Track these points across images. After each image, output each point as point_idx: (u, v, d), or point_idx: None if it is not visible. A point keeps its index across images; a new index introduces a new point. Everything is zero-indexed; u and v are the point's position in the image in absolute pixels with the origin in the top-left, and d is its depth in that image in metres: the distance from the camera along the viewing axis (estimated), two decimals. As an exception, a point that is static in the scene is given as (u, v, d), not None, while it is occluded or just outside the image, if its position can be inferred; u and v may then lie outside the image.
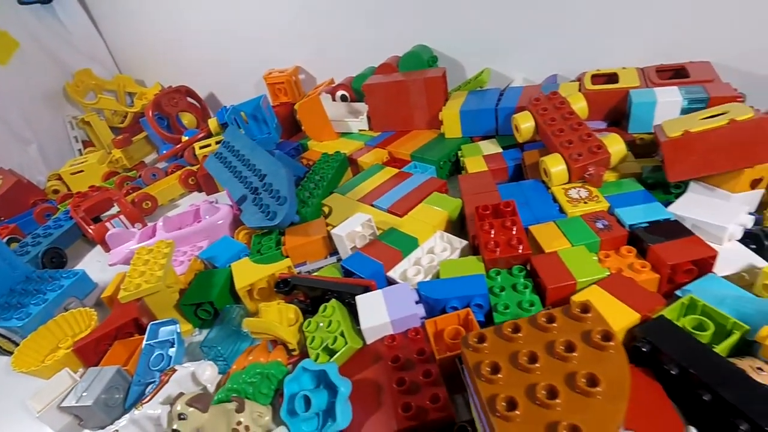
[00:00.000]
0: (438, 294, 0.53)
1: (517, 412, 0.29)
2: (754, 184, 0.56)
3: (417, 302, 0.54)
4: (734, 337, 0.41)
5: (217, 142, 1.15)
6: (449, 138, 0.93)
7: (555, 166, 0.67)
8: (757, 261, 0.50)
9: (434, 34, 1.07)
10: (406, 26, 1.10)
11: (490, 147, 0.86)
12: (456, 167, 0.89)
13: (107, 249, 0.90)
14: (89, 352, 0.63)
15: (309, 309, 0.62)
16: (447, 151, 0.88)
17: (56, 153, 1.49)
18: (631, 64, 0.89)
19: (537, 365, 0.32)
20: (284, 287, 0.62)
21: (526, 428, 0.29)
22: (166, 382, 0.52)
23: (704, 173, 0.57)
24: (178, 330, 0.61)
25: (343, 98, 1.15)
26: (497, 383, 0.32)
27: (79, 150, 1.53)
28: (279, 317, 0.57)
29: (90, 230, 0.95)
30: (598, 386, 0.29)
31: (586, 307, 0.35)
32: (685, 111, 0.71)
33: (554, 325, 0.35)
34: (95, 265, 0.92)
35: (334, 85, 1.18)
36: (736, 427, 0.34)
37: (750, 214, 0.55)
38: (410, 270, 0.61)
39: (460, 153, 0.87)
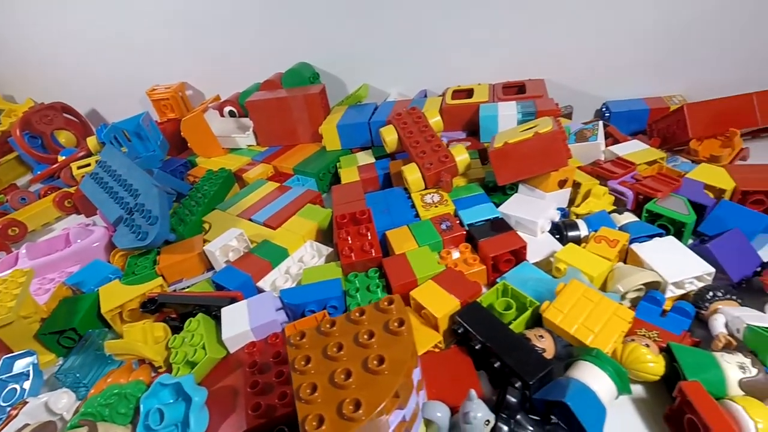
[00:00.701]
0: (296, 299, 0.58)
1: (316, 395, 0.34)
2: (561, 184, 0.68)
3: (279, 309, 0.58)
4: (527, 313, 0.50)
5: (97, 161, 1.10)
6: (330, 150, 0.98)
7: (411, 174, 0.74)
8: (558, 248, 0.61)
9: (316, 52, 1.13)
10: (289, 44, 1.14)
11: (365, 158, 0.92)
12: (337, 178, 0.95)
13: (-38, 283, 0.83)
14: (-71, 397, 0.58)
15: (180, 325, 0.63)
16: (326, 163, 0.93)
17: None
18: (487, 81, 1.01)
19: (342, 353, 0.37)
20: (151, 306, 0.62)
21: (322, 408, 0.33)
22: (15, 416, 0.50)
23: (523, 177, 0.67)
24: (35, 361, 0.59)
25: (231, 114, 1.16)
26: (308, 373, 0.37)
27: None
28: (143, 336, 0.58)
29: (-60, 264, 0.86)
30: (384, 365, 0.35)
31: (391, 301, 0.41)
32: (520, 122, 0.83)
33: (364, 318, 0.40)
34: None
35: (221, 101, 1.18)
36: (513, 384, 0.42)
37: (559, 209, 0.67)
38: (279, 279, 0.65)
39: (338, 164, 0.93)
